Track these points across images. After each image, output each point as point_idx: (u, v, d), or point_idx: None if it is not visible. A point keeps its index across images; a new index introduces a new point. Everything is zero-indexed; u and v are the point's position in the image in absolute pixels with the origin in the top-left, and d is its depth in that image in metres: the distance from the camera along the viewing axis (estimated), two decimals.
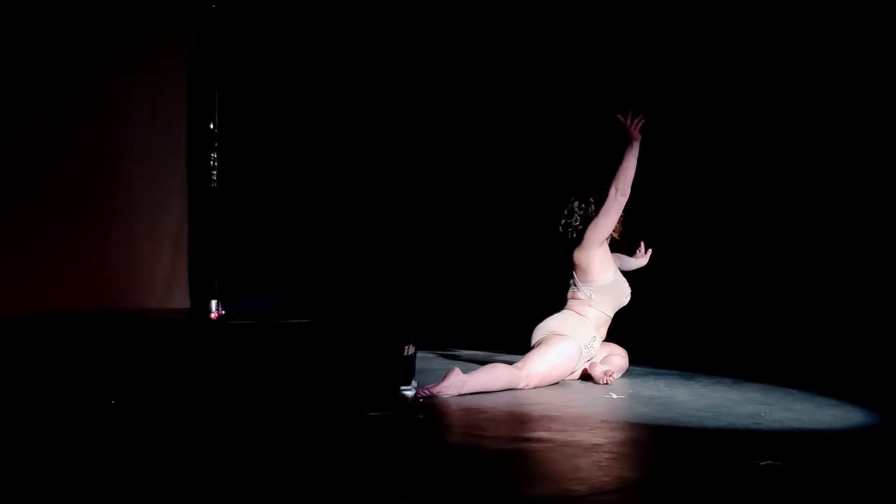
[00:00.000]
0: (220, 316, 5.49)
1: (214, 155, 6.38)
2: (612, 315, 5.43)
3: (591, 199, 5.36)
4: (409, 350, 5.12)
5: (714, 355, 6.43)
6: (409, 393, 5.02)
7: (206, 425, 4.22)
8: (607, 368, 5.38)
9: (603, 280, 5.35)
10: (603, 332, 5.43)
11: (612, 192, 5.16)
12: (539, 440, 3.95)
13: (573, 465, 3.55)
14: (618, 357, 5.63)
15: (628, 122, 5.10)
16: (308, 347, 4.87)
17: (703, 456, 3.79)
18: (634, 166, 5.12)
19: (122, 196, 6.73)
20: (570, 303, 5.41)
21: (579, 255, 5.37)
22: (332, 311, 5.51)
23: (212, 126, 6.44)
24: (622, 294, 5.41)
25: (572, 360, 5.27)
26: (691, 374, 5.80)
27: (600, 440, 4.01)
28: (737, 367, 5.93)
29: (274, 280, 7.47)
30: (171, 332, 4.94)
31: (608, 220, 5.24)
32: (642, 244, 5.88)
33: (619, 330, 5.55)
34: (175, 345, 4.70)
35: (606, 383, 5.29)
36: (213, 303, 5.60)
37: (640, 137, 5.10)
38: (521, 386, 5.08)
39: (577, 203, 5.43)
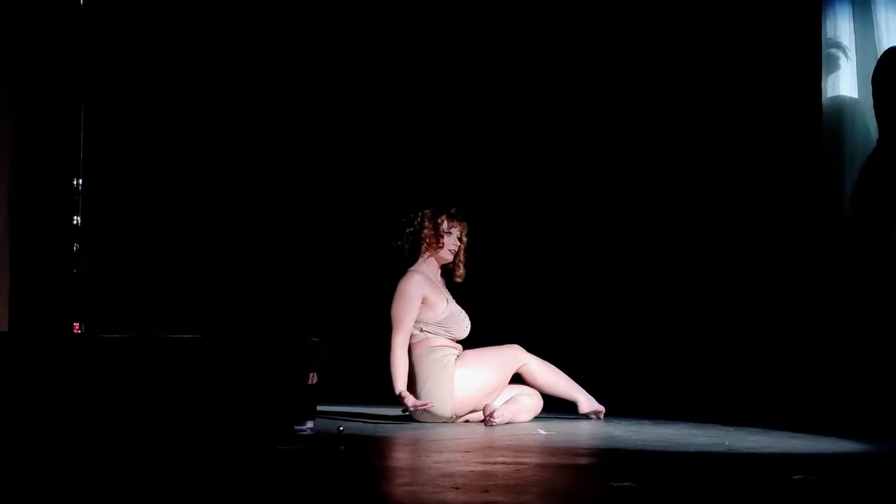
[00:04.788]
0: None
1: (78, 219, 5.18)
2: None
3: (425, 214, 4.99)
4: (313, 379, 4.32)
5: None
6: (307, 433, 4.22)
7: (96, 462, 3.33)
8: (495, 410, 4.79)
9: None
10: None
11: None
12: (516, 463, 3.24)
13: (579, 483, 2.88)
14: (526, 397, 5.00)
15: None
16: (196, 366, 3.97)
17: (730, 474, 3.19)
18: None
19: None
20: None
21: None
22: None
23: (76, 182, 5.23)
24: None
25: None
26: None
27: (592, 461, 3.35)
28: (632, 406, 5.34)
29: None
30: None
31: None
32: None
33: None
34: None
35: (490, 425, 4.71)
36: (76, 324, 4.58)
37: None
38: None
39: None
